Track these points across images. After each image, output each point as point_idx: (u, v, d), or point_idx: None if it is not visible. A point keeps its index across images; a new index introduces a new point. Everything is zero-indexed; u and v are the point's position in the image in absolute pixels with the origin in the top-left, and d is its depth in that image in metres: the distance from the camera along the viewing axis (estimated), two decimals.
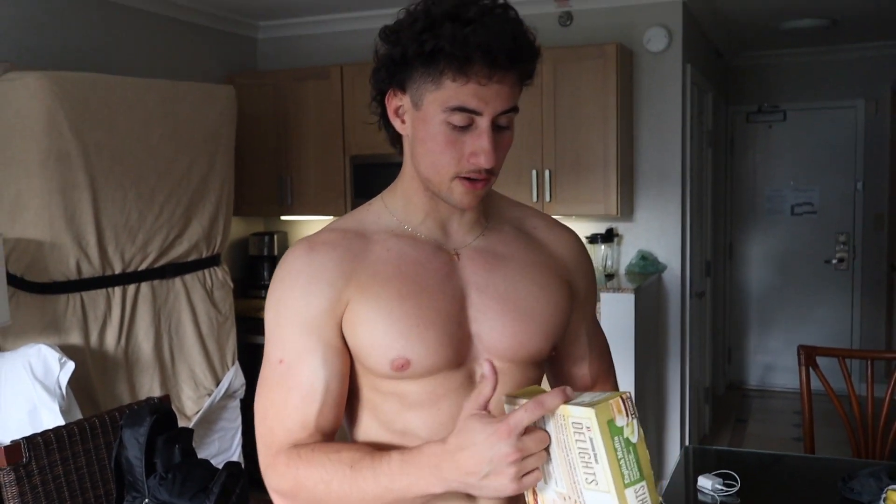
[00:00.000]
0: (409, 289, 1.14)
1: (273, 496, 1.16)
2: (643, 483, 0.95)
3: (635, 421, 0.96)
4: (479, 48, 1.03)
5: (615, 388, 1.43)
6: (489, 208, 1.27)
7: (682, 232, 4.04)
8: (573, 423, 0.95)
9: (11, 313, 2.65)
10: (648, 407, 3.83)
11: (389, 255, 1.17)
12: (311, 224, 4.62)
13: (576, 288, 1.30)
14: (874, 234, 5.79)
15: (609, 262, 3.98)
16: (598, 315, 3.60)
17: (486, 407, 0.97)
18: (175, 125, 3.24)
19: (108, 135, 2.97)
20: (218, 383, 3.42)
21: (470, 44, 1.03)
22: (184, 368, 3.33)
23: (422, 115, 1.11)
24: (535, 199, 3.78)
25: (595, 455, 0.94)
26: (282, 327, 1.15)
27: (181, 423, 2.81)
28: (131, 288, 3.12)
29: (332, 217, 4.10)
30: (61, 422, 2.53)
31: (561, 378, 1.37)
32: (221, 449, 3.45)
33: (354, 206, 1.28)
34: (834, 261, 5.90)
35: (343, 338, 1.15)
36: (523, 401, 0.97)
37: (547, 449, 0.98)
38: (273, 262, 4.51)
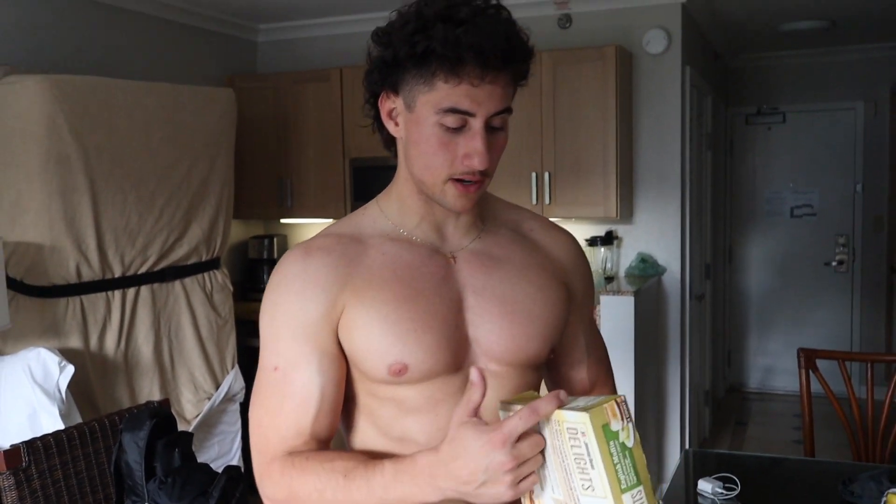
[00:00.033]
0: (405, 293, 1.13)
1: None
2: (640, 487, 0.95)
3: (630, 425, 0.95)
4: (470, 49, 1.02)
5: (614, 391, 1.42)
6: (485, 211, 1.26)
7: (681, 234, 4.04)
8: (568, 428, 0.94)
9: (11, 317, 2.65)
10: (648, 410, 3.82)
11: (385, 260, 1.16)
12: (311, 227, 4.62)
13: (573, 290, 1.29)
14: (874, 236, 5.79)
15: (608, 265, 3.98)
16: (597, 318, 3.62)
17: (476, 413, 0.96)
18: (175, 128, 3.24)
19: (108, 138, 2.97)
20: (218, 387, 3.42)
21: (462, 44, 1.02)
22: (183, 372, 3.33)
23: (415, 117, 1.10)
24: (534, 201, 3.78)
25: (591, 460, 0.93)
26: (277, 334, 1.14)
27: (181, 427, 2.81)
28: (131, 291, 3.12)
29: (332, 220, 4.10)
30: (61, 426, 2.53)
31: (559, 382, 1.36)
32: (221, 453, 3.45)
33: (354, 208, 1.28)
34: (834, 263, 5.91)
35: (339, 344, 1.14)
36: (518, 407, 0.97)
37: (542, 452, 0.97)
38: (273, 265, 4.51)
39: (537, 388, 1.27)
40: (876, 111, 5.71)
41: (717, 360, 5.73)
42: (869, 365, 2.66)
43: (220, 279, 3.53)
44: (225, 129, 3.51)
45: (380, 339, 1.11)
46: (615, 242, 4.04)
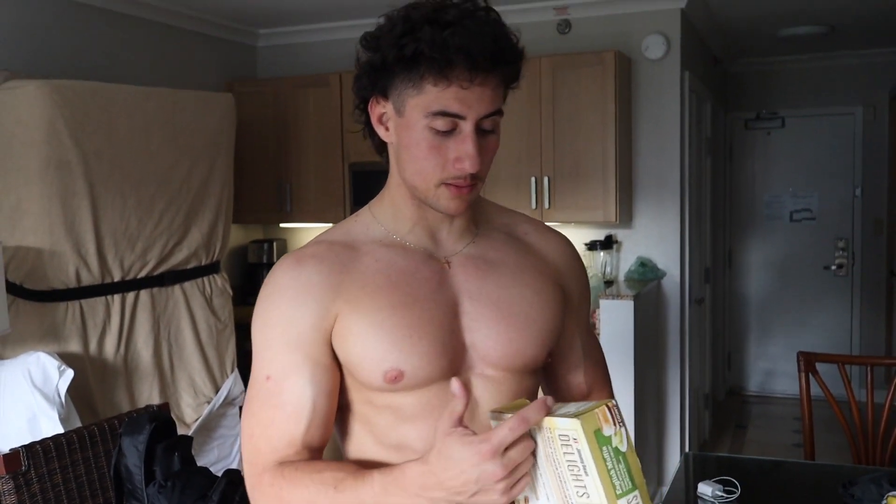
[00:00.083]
0: (399, 299, 1.12)
1: None
2: (636, 493, 0.94)
3: (623, 429, 0.94)
4: (459, 51, 1.01)
5: (611, 395, 1.41)
6: (479, 215, 1.25)
7: (681, 238, 4.05)
8: (560, 435, 0.93)
9: (11, 321, 2.65)
10: (648, 413, 3.82)
11: (378, 266, 1.15)
12: (310, 231, 4.62)
13: (569, 292, 1.28)
14: (873, 239, 5.80)
15: (608, 269, 3.98)
16: (597, 321, 3.61)
17: (460, 423, 0.95)
18: (174, 133, 3.25)
19: (107, 142, 2.97)
20: (217, 391, 3.42)
21: (450, 47, 1.01)
22: (183, 376, 3.33)
23: (405, 121, 1.09)
24: (534, 206, 3.79)
25: (584, 467, 0.92)
26: (269, 344, 1.13)
27: (180, 431, 2.80)
28: (130, 295, 3.12)
29: (331, 224, 4.10)
30: (60, 430, 2.53)
31: (557, 387, 1.35)
32: (221, 456, 3.44)
33: (354, 213, 1.27)
34: (833, 267, 5.91)
35: (332, 353, 1.13)
36: (509, 416, 0.96)
37: (533, 454, 0.96)
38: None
39: (535, 393, 1.26)
40: (875, 116, 5.72)
41: (717, 363, 5.73)
42: (869, 368, 2.66)
43: (219, 283, 3.53)
44: (225, 133, 3.51)
45: (375, 346, 1.10)
46: (615, 247, 4.04)
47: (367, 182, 4.08)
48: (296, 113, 4.29)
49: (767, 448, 4.94)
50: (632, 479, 0.94)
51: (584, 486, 0.92)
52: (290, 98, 4.30)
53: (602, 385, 1.38)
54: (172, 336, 3.30)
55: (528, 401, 1.05)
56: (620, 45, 3.90)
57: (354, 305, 1.11)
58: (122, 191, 3.03)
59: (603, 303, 3.50)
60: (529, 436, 0.96)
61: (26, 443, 2.08)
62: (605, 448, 0.92)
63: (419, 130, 1.07)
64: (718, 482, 2.06)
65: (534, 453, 0.96)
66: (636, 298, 3.50)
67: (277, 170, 4.36)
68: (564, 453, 0.93)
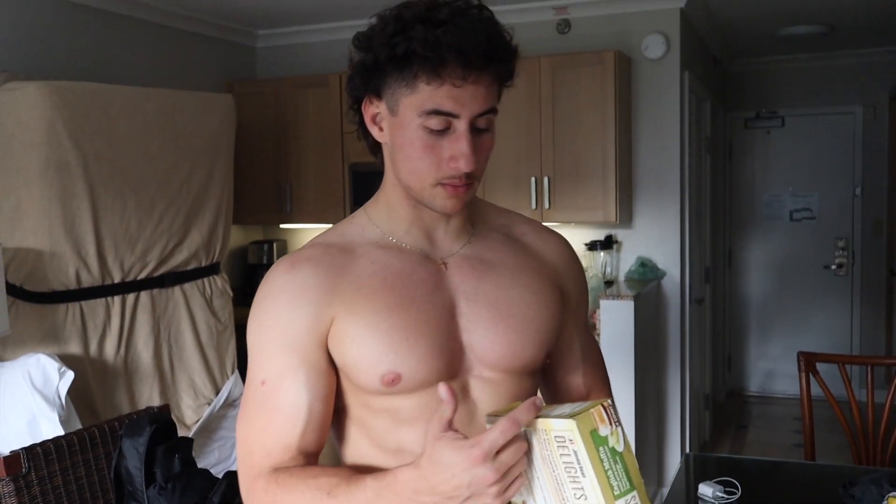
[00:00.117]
0: (396, 301, 1.11)
1: None
2: (634, 493, 0.93)
3: (619, 429, 0.93)
4: (451, 49, 1.01)
5: (609, 397, 1.41)
6: (475, 215, 1.24)
7: (681, 238, 4.04)
8: (556, 437, 0.92)
9: (11, 323, 2.65)
10: (648, 414, 3.82)
11: (374, 268, 1.14)
12: (310, 232, 4.62)
13: (567, 293, 1.27)
14: (873, 239, 5.80)
15: (608, 269, 3.98)
16: (597, 322, 3.60)
17: (449, 428, 0.94)
18: (174, 134, 3.24)
19: (107, 144, 2.97)
20: (218, 392, 3.42)
21: (442, 45, 1.01)
22: (183, 377, 3.33)
23: (398, 120, 1.08)
24: (534, 206, 3.79)
25: (581, 468, 0.91)
26: (264, 348, 1.13)
27: (181, 433, 2.80)
28: (131, 297, 3.12)
29: (331, 225, 4.10)
30: (60, 432, 2.53)
31: (555, 389, 1.34)
32: (221, 458, 3.44)
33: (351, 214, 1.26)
34: (833, 266, 5.91)
35: (328, 357, 1.12)
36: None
37: (529, 456, 0.95)
38: None
39: (534, 395, 1.24)
40: (874, 115, 5.71)
41: (718, 363, 5.73)
42: (869, 368, 2.66)
43: (219, 284, 3.53)
44: (224, 134, 3.51)
45: (371, 348, 1.09)
46: (615, 247, 4.04)
47: (367, 183, 4.08)
48: (295, 113, 4.29)
49: (768, 448, 4.94)
50: (629, 480, 0.93)
51: (582, 488, 0.91)
52: (289, 99, 4.30)
53: (601, 386, 1.37)
54: (173, 337, 3.29)
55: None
56: (620, 45, 3.90)
57: (350, 308, 1.11)
58: (121, 192, 3.03)
59: (603, 303, 3.50)
60: (525, 438, 0.95)
61: (27, 445, 2.08)
62: (601, 448, 0.91)
63: (413, 130, 1.07)
64: (719, 483, 2.06)
65: (529, 456, 0.96)
66: (636, 299, 3.50)
67: (277, 170, 4.36)
68: (561, 455, 0.92)
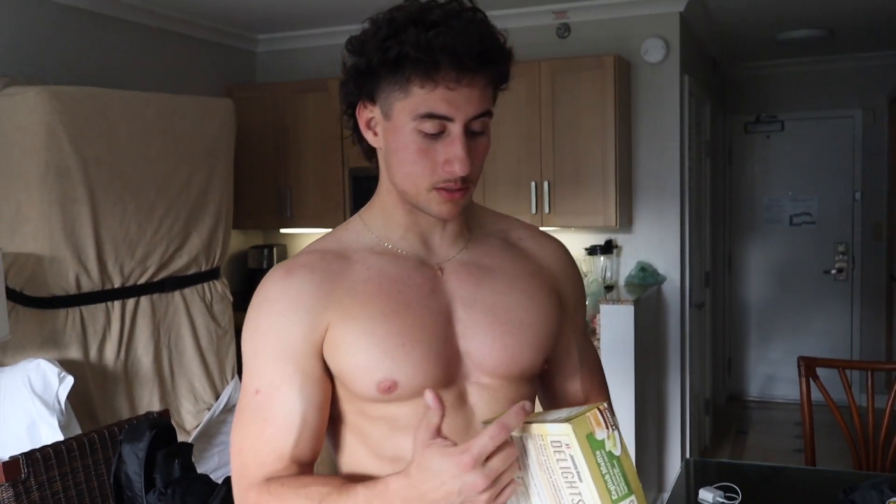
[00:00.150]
0: (391, 307, 1.10)
1: None
2: (632, 497, 0.92)
3: (616, 432, 0.92)
4: (444, 51, 1.00)
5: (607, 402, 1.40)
6: (472, 220, 1.23)
7: (681, 243, 4.04)
8: (552, 442, 0.91)
9: (10, 328, 2.65)
10: (649, 419, 3.82)
11: (370, 274, 1.13)
12: (310, 237, 4.62)
13: (565, 298, 1.26)
14: (873, 243, 5.80)
15: (608, 274, 3.98)
16: (597, 326, 3.59)
17: (438, 435, 0.93)
18: (174, 138, 3.25)
19: (107, 148, 2.97)
20: (217, 397, 3.41)
21: (435, 47, 1.00)
22: (183, 382, 3.32)
23: (392, 125, 1.07)
24: (534, 210, 3.79)
25: (578, 473, 0.90)
26: (258, 356, 1.12)
27: (181, 438, 2.80)
28: (130, 302, 3.12)
29: (330, 230, 4.10)
30: (60, 437, 2.52)
31: (553, 395, 1.33)
32: (221, 463, 3.44)
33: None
34: (833, 271, 5.91)
35: (323, 366, 1.11)
36: None
37: (524, 462, 0.94)
38: None
39: (532, 402, 1.22)
40: (874, 119, 5.72)
41: (718, 368, 5.72)
42: (869, 373, 2.66)
43: (219, 289, 3.53)
44: (224, 138, 3.51)
45: (367, 355, 1.08)
46: (615, 251, 4.04)
47: (367, 187, 4.07)
48: (295, 118, 4.29)
49: (768, 453, 4.93)
50: (627, 484, 0.92)
51: (579, 493, 0.91)
52: (289, 103, 4.30)
53: (599, 392, 1.36)
54: (172, 342, 3.29)
55: None
56: (620, 49, 3.90)
57: (345, 315, 1.10)
58: (121, 197, 3.03)
59: (603, 308, 3.49)
60: (521, 444, 0.94)
61: (26, 450, 2.07)
62: (598, 452, 0.90)
63: (407, 134, 1.06)
64: (719, 488, 2.06)
65: (526, 461, 0.95)
66: (636, 303, 3.50)
67: (277, 175, 4.36)
68: (557, 460, 0.91)
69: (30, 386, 2.60)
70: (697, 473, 2.43)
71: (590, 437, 0.90)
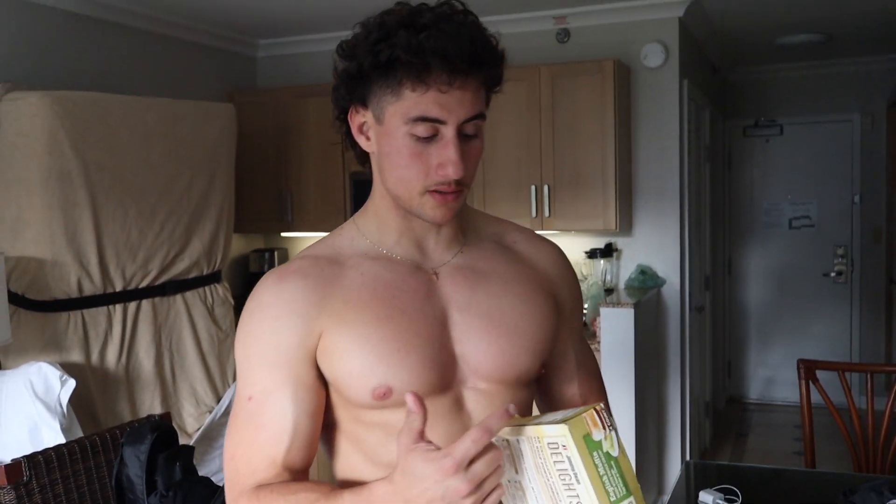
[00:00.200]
0: (386, 312, 1.09)
1: None
2: (630, 499, 0.91)
3: (614, 433, 0.91)
4: (435, 54, 0.99)
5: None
6: (466, 224, 1.22)
7: (680, 246, 4.05)
8: (549, 444, 0.90)
9: (12, 331, 2.65)
10: (649, 422, 3.82)
11: (364, 280, 1.12)
12: (311, 240, 4.63)
13: (561, 301, 1.25)
14: (872, 247, 5.80)
15: (608, 277, 3.99)
16: (598, 330, 3.60)
17: (421, 438, 0.92)
18: (175, 143, 3.26)
19: (108, 153, 2.98)
20: (219, 400, 3.42)
21: (426, 50, 0.99)
22: (185, 385, 3.33)
23: (385, 129, 1.06)
24: (534, 214, 3.80)
25: (576, 475, 0.89)
26: (251, 363, 1.10)
27: (182, 441, 2.80)
28: (132, 305, 3.13)
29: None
30: (62, 440, 2.53)
31: (550, 399, 1.32)
32: (222, 466, 3.44)
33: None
34: (832, 274, 5.91)
35: (317, 372, 1.10)
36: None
37: (521, 464, 0.93)
38: None
39: (529, 407, 1.23)
40: (872, 123, 5.73)
41: (718, 371, 5.73)
42: (869, 375, 2.66)
43: (220, 293, 3.54)
44: (225, 143, 3.53)
45: (361, 361, 1.07)
46: (615, 255, 4.05)
47: (367, 191, 4.02)
48: (296, 122, 4.30)
49: (768, 456, 4.93)
50: (626, 485, 0.90)
51: (577, 495, 0.89)
52: (290, 108, 4.31)
53: (597, 396, 1.34)
54: (174, 345, 3.30)
55: (518, 416, 1.02)
56: (619, 54, 3.91)
57: (339, 321, 1.08)
58: (123, 201, 3.04)
59: (603, 311, 3.50)
60: (517, 447, 0.93)
61: (28, 453, 2.08)
62: (595, 453, 0.89)
63: (400, 138, 1.05)
64: (719, 491, 2.07)
65: (523, 465, 0.94)
66: (636, 306, 3.50)
67: (278, 179, 4.37)
68: (554, 462, 0.90)
69: (32, 389, 2.61)
70: (697, 476, 2.43)
71: (587, 437, 0.89)
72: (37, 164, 2.80)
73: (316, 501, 1.01)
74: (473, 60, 1.02)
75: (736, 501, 2.03)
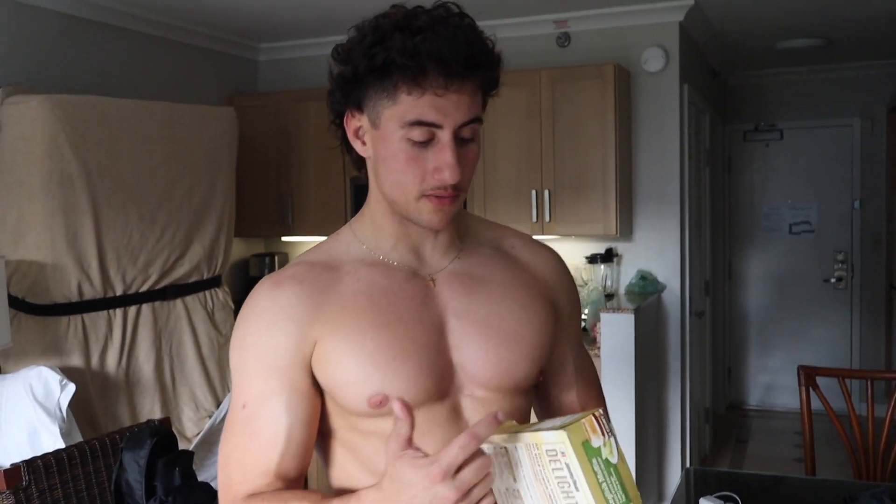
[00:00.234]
0: (382, 319, 1.08)
1: None
2: None
3: (613, 439, 0.90)
4: (431, 57, 0.98)
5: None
6: (464, 230, 1.21)
7: (681, 251, 4.05)
8: (547, 450, 0.89)
9: (12, 335, 2.65)
10: (649, 427, 3.82)
11: (360, 286, 1.10)
12: (311, 245, 4.62)
13: (559, 307, 1.23)
14: (872, 252, 5.80)
15: (608, 282, 3.99)
16: (598, 335, 3.59)
17: (409, 445, 0.91)
18: (176, 147, 3.26)
19: (109, 157, 2.98)
20: (219, 405, 3.42)
21: (421, 53, 0.98)
22: (184, 390, 3.33)
23: (381, 133, 1.05)
24: (534, 219, 3.80)
25: (574, 482, 0.88)
26: (245, 370, 1.09)
27: (182, 445, 2.80)
28: (132, 309, 3.13)
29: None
30: (61, 444, 2.53)
31: (549, 406, 1.31)
32: None
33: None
34: (833, 280, 5.91)
35: (311, 380, 1.09)
36: (496, 437, 0.93)
37: (519, 472, 0.93)
38: None
39: (527, 414, 1.22)
40: (872, 128, 5.74)
41: (718, 377, 5.73)
42: (869, 382, 2.66)
43: (221, 297, 3.54)
44: (226, 147, 3.53)
45: (357, 369, 1.06)
46: (615, 260, 4.05)
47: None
48: (297, 126, 4.30)
49: (768, 462, 4.93)
50: (625, 492, 0.90)
51: (576, 503, 0.88)
52: (291, 112, 4.31)
53: (596, 403, 1.33)
54: (174, 350, 3.30)
55: (515, 423, 1.01)
56: (620, 58, 3.92)
57: (335, 328, 1.07)
58: (123, 205, 3.04)
59: (604, 316, 3.50)
60: (515, 454, 0.93)
61: (27, 457, 2.08)
62: (594, 460, 0.88)
63: (396, 142, 1.04)
64: (719, 497, 2.06)
65: (520, 472, 0.93)
66: (637, 312, 3.50)
67: (279, 183, 4.37)
68: (553, 469, 0.89)
69: (31, 393, 2.61)
70: (697, 482, 2.43)
71: (585, 444, 0.88)
72: (37, 168, 2.80)
73: None
74: (469, 63, 1.01)
75: None
